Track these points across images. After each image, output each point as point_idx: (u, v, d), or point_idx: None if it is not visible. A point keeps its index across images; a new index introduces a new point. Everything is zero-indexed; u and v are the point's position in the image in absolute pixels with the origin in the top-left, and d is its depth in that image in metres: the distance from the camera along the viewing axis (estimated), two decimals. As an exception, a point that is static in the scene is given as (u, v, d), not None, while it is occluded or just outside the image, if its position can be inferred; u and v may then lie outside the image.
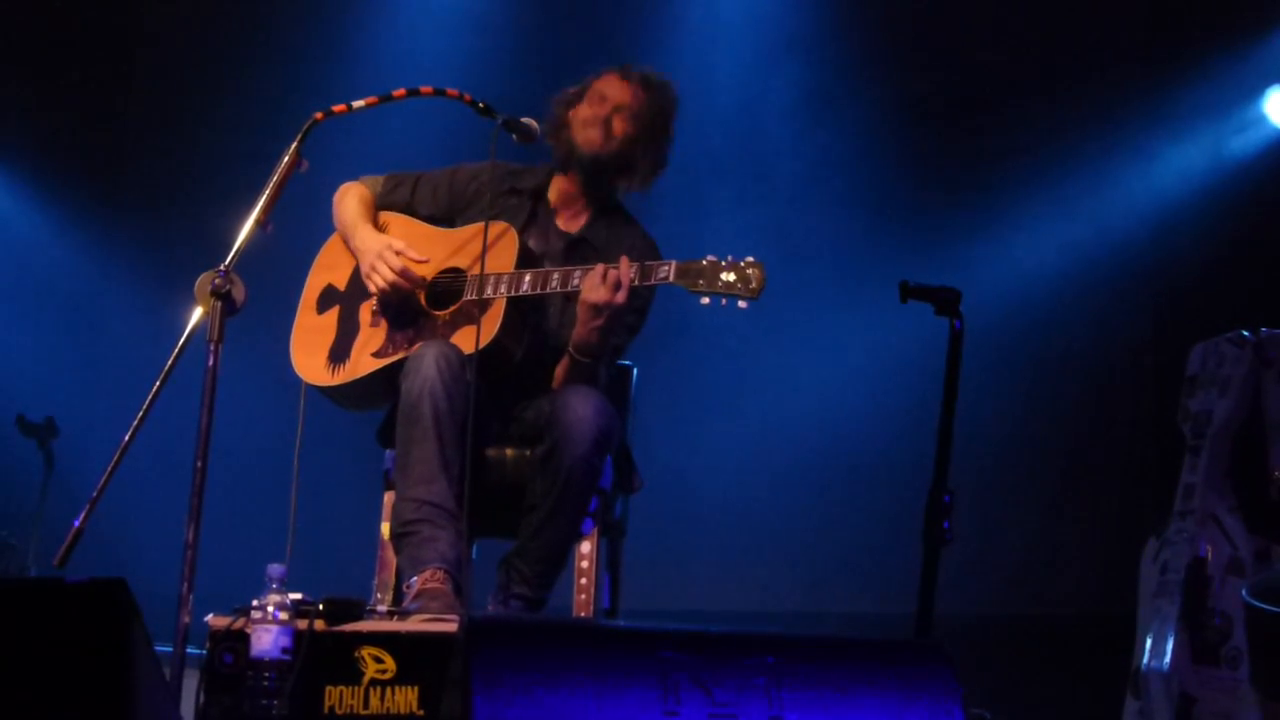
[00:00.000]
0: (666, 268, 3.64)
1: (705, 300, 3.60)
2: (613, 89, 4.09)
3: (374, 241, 3.96)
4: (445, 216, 4.12)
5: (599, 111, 4.04)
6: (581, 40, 7.12)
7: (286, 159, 3.44)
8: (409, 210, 4.15)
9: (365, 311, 4.01)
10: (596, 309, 3.65)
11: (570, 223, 4.11)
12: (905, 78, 7.21)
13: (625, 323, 3.94)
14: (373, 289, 3.91)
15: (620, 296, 3.64)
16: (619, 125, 4.03)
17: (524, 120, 3.96)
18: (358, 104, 3.63)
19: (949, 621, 3.62)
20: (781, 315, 6.98)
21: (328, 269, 4.15)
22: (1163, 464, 5.96)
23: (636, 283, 3.66)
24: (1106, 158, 6.89)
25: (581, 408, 3.62)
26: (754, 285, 3.56)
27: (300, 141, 3.46)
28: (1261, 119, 6.56)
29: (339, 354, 3.99)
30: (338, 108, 3.57)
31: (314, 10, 7.62)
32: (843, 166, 7.09)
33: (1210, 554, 4.77)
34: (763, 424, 6.95)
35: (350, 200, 4.14)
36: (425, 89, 3.74)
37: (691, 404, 6.94)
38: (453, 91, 3.79)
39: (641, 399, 4.34)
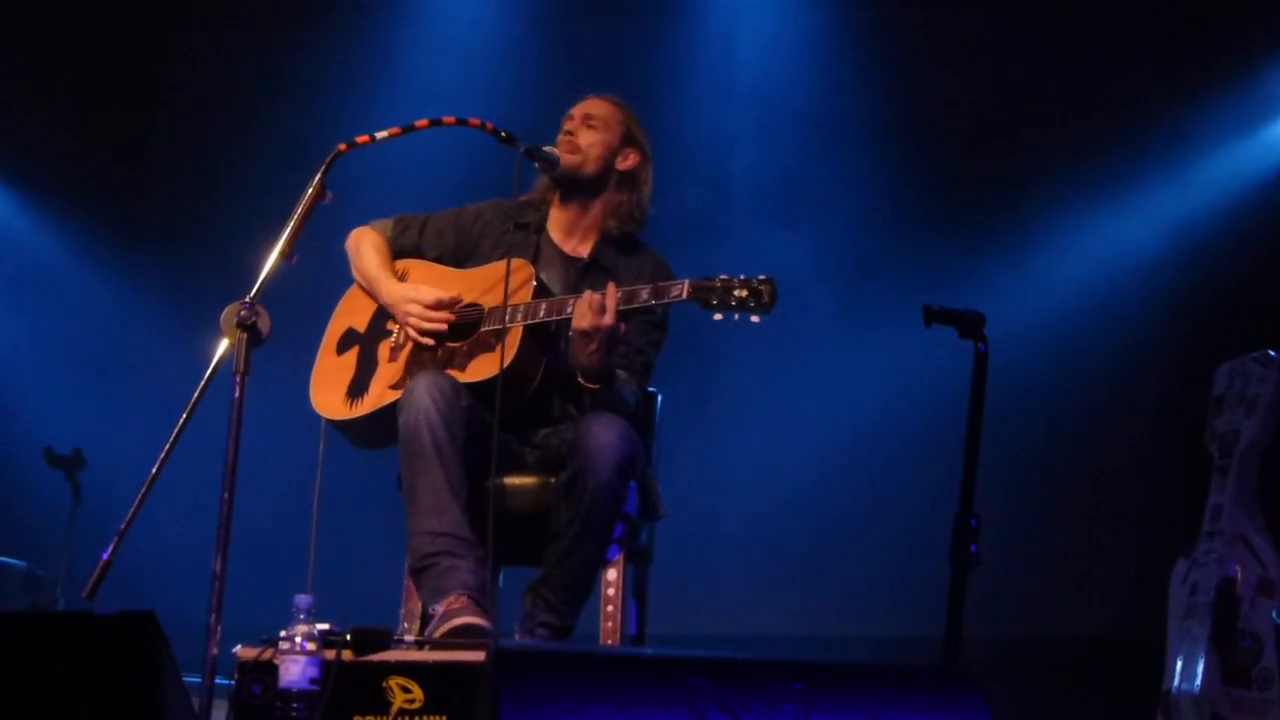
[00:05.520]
0: (680, 287, 3.66)
1: (718, 317, 3.62)
2: (577, 108, 4.18)
3: (400, 290, 4.02)
4: (453, 257, 4.16)
5: (567, 127, 4.12)
6: (602, 68, 7.16)
7: (311, 190, 3.44)
8: (417, 252, 4.19)
9: (384, 348, 4.05)
10: (586, 335, 3.67)
11: (578, 249, 4.14)
12: (931, 100, 7.23)
13: (650, 339, 4.03)
14: (412, 334, 3.95)
15: (607, 319, 3.66)
16: (585, 135, 4.09)
17: (546, 149, 3.99)
18: (381, 135, 3.64)
19: (977, 645, 3.61)
20: (805, 339, 7.00)
21: (349, 314, 4.19)
22: (1190, 484, 5.93)
23: (650, 302, 3.68)
24: (1130, 178, 6.89)
25: (604, 434, 3.63)
26: (765, 300, 3.58)
27: (324, 173, 3.46)
28: (1285, 137, 6.57)
29: (357, 389, 4.01)
30: (361, 139, 3.58)
31: (337, 43, 7.68)
32: (866, 189, 7.10)
33: (1240, 574, 4.75)
34: (788, 448, 6.94)
35: (367, 251, 4.17)
36: (448, 119, 3.75)
37: (716, 429, 6.94)
38: (475, 121, 3.80)
39: (665, 424, 4.34)
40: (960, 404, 3.54)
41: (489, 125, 3.86)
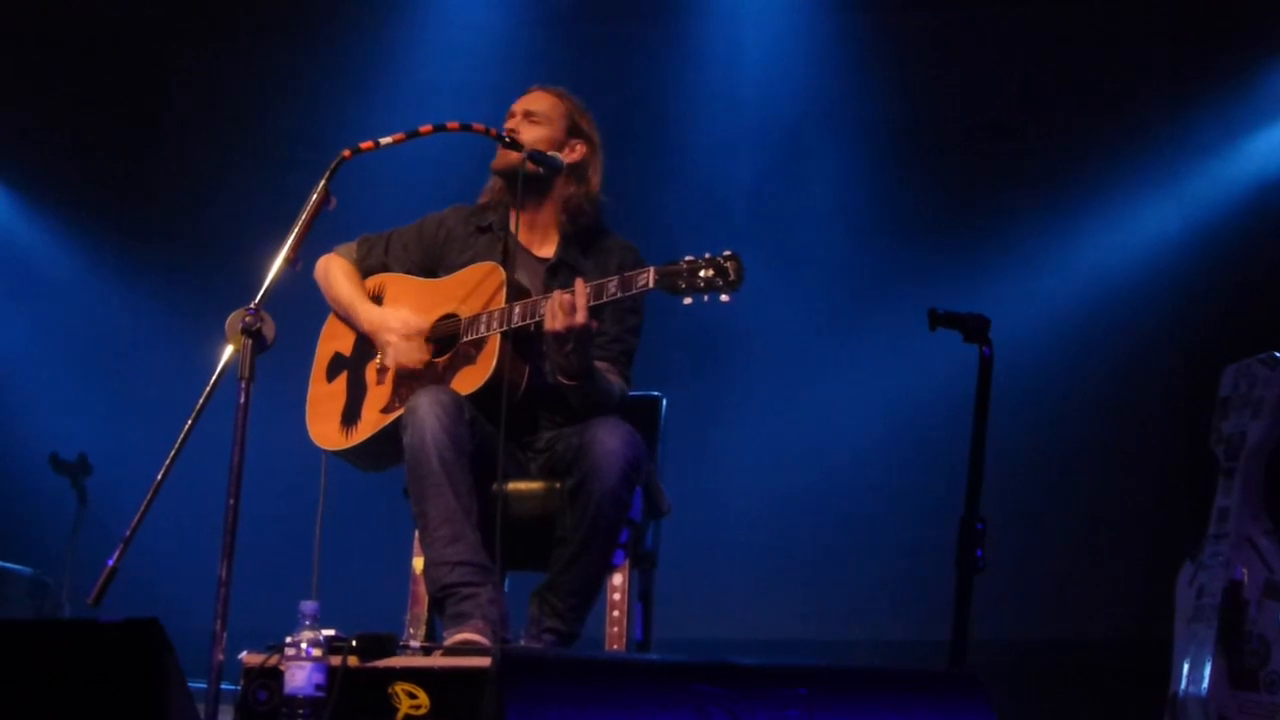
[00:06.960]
0: (645, 275, 3.61)
1: (688, 300, 3.57)
2: (519, 103, 4.12)
3: (378, 318, 4.00)
4: (421, 269, 4.14)
5: (509, 125, 4.06)
6: (603, 71, 7.16)
7: (315, 196, 3.45)
8: (385, 270, 4.16)
9: (371, 371, 4.02)
10: (560, 337, 3.64)
11: (542, 248, 4.11)
12: (932, 103, 7.23)
13: (627, 326, 3.99)
14: (391, 364, 3.94)
15: (579, 318, 3.62)
16: (527, 132, 4.03)
17: (550, 153, 3.98)
18: (385, 141, 3.64)
19: (983, 649, 3.60)
20: (810, 342, 7.00)
21: (333, 339, 4.17)
22: (1196, 487, 5.92)
23: (618, 294, 3.65)
24: (1133, 180, 6.89)
25: (610, 440, 3.62)
26: (732, 277, 3.53)
27: (328, 179, 3.47)
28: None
29: (350, 416, 3.99)
30: (365, 145, 3.58)
31: (340, 46, 7.68)
32: (870, 192, 7.10)
33: (1246, 577, 4.73)
34: (793, 452, 6.93)
35: (337, 277, 4.15)
36: (452, 124, 3.75)
37: (721, 432, 6.94)
38: (479, 126, 3.81)
39: (670, 427, 4.34)
40: (965, 407, 3.54)
41: (493, 130, 3.88)
